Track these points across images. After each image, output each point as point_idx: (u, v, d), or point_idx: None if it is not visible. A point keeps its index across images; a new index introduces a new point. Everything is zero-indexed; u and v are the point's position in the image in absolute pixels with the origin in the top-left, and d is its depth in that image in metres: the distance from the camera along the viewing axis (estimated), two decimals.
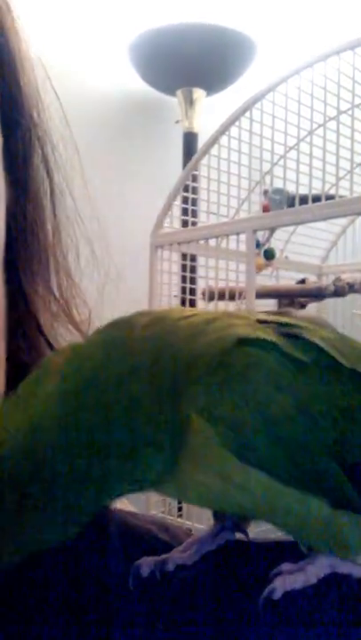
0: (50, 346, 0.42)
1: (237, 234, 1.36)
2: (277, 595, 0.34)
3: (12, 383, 0.37)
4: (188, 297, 1.52)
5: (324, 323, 0.36)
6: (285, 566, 0.35)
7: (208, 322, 0.33)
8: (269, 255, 1.47)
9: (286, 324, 0.33)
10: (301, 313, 0.39)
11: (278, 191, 1.32)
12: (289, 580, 0.34)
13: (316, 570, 0.35)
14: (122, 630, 0.36)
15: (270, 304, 1.65)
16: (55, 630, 0.36)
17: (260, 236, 1.43)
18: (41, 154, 0.42)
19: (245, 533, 0.40)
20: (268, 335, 0.32)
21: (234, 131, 1.38)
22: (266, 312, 0.37)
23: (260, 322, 0.33)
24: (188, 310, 0.34)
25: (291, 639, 0.34)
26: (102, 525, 0.42)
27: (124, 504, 0.51)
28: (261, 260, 1.45)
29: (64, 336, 0.44)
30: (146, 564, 0.37)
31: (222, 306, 1.43)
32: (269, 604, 0.34)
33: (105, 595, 0.38)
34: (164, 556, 0.37)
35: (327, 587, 0.35)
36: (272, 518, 0.34)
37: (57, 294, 0.43)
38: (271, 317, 0.34)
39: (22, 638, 0.36)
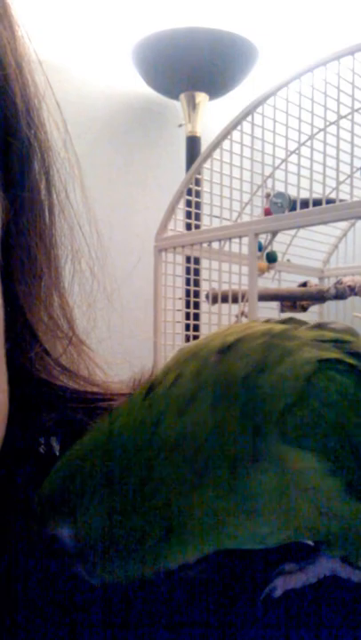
0: (50, 357, 0.42)
1: (240, 237, 1.37)
2: (278, 593, 0.35)
3: (18, 397, 0.38)
4: (192, 299, 1.53)
5: (353, 330, 0.36)
6: (287, 566, 0.36)
7: (268, 347, 0.32)
8: (271, 258, 1.49)
9: (340, 341, 0.33)
10: (339, 323, 0.38)
11: (280, 195, 1.33)
12: (289, 579, 0.35)
13: (317, 570, 0.36)
14: (122, 630, 0.36)
15: (272, 306, 1.66)
16: (49, 625, 0.37)
17: (263, 239, 1.45)
18: (41, 160, 0.41)
19: None
20: (339, 355, 0.32)
21: (236, 135, 1.39)
22: (296, 322, 0.37)
23: (317, 340, 0.33)
24: (229, 333, 0.33)
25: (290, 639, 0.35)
26: None
27: None
28: (264, 262, 1.46)
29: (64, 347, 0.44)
30: None
31: (225, 308, 1.44)
32: (269, 602, 0.35)
33: (105, 592, 0.38)
34: None
35: (327, 589, 0.36)
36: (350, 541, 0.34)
37: (56, 306, 0.43)
38: (318, 332, 0.34)
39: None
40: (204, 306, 1.54)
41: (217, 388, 0.30)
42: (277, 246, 1.57)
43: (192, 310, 1.53)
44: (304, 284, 1.60)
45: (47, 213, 0.42)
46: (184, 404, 0.30)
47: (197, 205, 1.48)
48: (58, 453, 0.42)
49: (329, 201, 1.24)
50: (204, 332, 1.52)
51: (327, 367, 0.31)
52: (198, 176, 1.45)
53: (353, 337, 0.34)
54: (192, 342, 0.34)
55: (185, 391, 0.31)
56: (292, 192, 1.32)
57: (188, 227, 1.49)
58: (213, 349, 0.32)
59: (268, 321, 0.36)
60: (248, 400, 0.30)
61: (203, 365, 0.31)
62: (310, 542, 0.38)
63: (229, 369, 0.31)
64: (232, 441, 0.30)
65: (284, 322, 0.36)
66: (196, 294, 1.54)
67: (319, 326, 0.35)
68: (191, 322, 1.53)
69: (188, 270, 1.53)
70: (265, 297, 1.52)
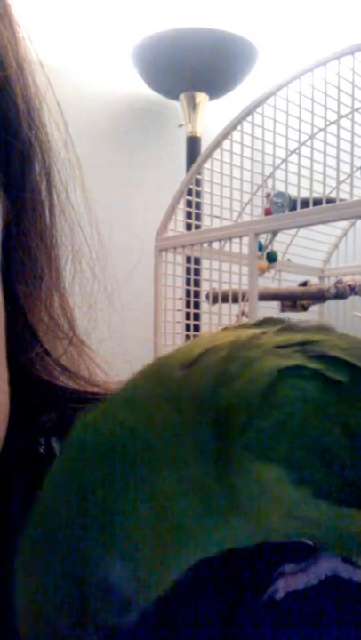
0: (50, 357, 0.42)
1: (240, 237, 1.37)
2: (280, 595, 0.35)
3: (19, 397, 0.38)
4: (192, 299, 1.53)
5: (328, 326, 0.36)
6: (288, 567, 0.36)
7: (230, 360, 0.31)
8: (272, 258, 1.49)
9: (305, 343, 0.33)
10: (312, 321, 0.37)
11: (280, 195, 1.34)
12: (291, 580, 0.35)
13: (318, 571, 0.36)
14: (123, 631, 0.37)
15: (273, 306, 1.66)
16: None
17: (263, 239, 1.45)
18: (42, 161, 0.41)
19: None
20: (301, 360, 0.31)
21: (236, 135, 1.39)
22: (263, 322, 0.36)
23: (279, 347, 0.32)
24: (191, 347, 0.33)
25: None
26: None
27: None
28: (264, 262, 1.47)
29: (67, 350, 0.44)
30: None
31: (226, 308, 1.45)
32: (271, 604, 0.35)
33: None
34: None
35: (328, 589, 0.36)
36: (335, 541, 0.34)
37: (56, 306, 0.43)
38: (284, 337, 0.33)
39: None
40: (205, 306, 1.54)
41: (181, 404, 0.30)
42: (278, 246, 1.57)
43: (192, 310, 1.53)
44: (304, 284, 1.60)
45: (48, 214, 0.42)
46: (149, 421, 0.30)
47: (198, 205, 1.48)
48: (58, 454, 0.42)
49: (329, 200, 1.24)
50: (204, 331, 1.52)
51: (288, 375, 0.30)
52: (198, 176, 1.45)
53: (323, 335, 0.34)
54: (162, 355, 0.33)
55: (150, 409, 0.30)
56: (293, 192, 1.32)
57: (189, 227, 1.49)
58: (177, 365, 0.32)
59: (242, 325, 0.36)
60: (211, 415, 0.30)
61: (167, 381, 0.31)
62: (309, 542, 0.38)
63: (192, 385, 0.31)
64: (199, 455, 0.29)
65: (257, 324, 0.36)
66: (197, 294, 1.55)
67: (289, 328, 0.34)
68: (192, 322, 1.54)
69: (188, 270, 1.53)
70: (265, 297, 1.52)
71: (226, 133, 1.39)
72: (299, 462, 0.30)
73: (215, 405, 0.30)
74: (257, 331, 0.34)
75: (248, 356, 0.31)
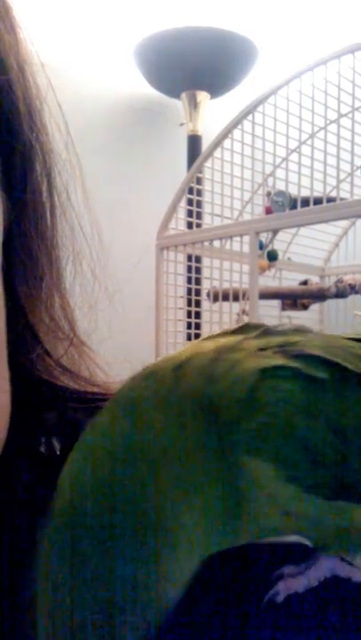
0: (51, 358, 0.42)
1: (241, 235, 1.37)
2: (280, 598, 0.35)
3: (20, 398, 0.38)
4: (193, 298, 1.54)
5: (305, 328, 0.36)
6: (287, 569, 0.36)
7: (216, 361, 0.32)
8: (272, 257, 1.49)
9: (284, 344, 0.33)
10: (287, 324, 0.37)
11: (280, 193, 1.34)
12: (291, 583, 0.35)
13: (317, 573, 0.36)
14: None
15: (273, 305, 1.66)
16: None
17: (264, 237, 1.45)
18: (43, 162, 0.41)
19: None
20: (282, 360, 0.32)
21: (237, 133, 1.39)
22: (243, 328, 0.37)
23: (261, 349, 0.33)
24: (181, 352, 0.34)
25: None
26: None
27: None
28: (265, 261, 1.47)
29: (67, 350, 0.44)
30: None
31: (226, 306, 1.45)
32: (272, 607, 0.35)
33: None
34: None
35: (328, 590, 0.36)
36: (324, 535, 0.34)
37: (57, 307, 0.43)
38: (264, 340, 0.34)
39: None
40: (206, 304, 1.54)
41: (173, 403, 0.31)
42: (278, 245, 1.58)
43: (193, 308, 1.54)
44: (305, 283, 1.61)
45: (48, 215, 0.42)
46: (147, 423, 0.31)
47: (199, 204, 1.49)
48: (58, 453, 0.42)
49: (330, 199, 1.25)
50: (206, 330, 1.53)
51: (270, 375, 0.31)
52: (199, 175, 1.45)
53: (301, 336, 0.34)
54: (151, 363, 0.34)
55: (147, 412, 0.31)
56: (293, 190, 1.33)
57: (190, 225, 1.49)
58: (169, 367, 0.33)
59: (225, 332, 0.36)
60: (202, 413, 0.30)
61: (161, 383, 0.32)
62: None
63: (183, 385, 0.31)
64: (195, 453, 0.30)
65: (237, 330, 0.36)
66: (198, 292, 1.55)
67: (266, 332, 0.35)
68: (193, 320, 1.54)
69: (189, 269, 1.54)
70: (266, 295, 1.52)
71: (227, 132, 1.40)
72: (288, 460, 0.30)
73: (205, 404, 0.30)
74: (240, 336, 0.35)
75: (233, 357, 0.32)
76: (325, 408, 0.31)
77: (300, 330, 0.35)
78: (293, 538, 0.37)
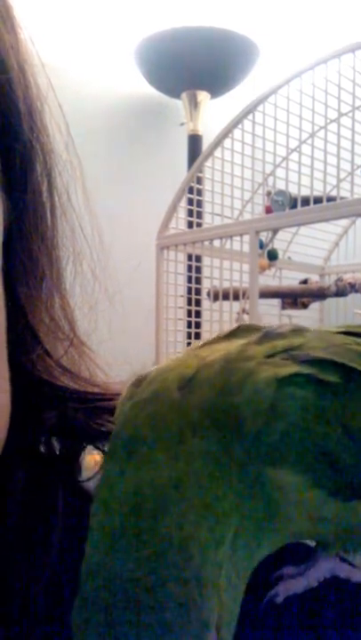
0: (51, 358, 0.42)
1: (241, 235, 1.37)
2: (280, 599, 0.35)
3: (20, 398, 0.38)
4: (193, 297, 1.54)
5: (301, 327, 0.36)
6: (287, 570, 0.36)
7: (228, 372, 0.31)
8: (272, 256, 1.49)
9: (289, 349, 0.33)
10: (284, 325, 0.37)
11: (281, 193, 1.34)
12: (291, 584, 0.36)
13: (317, 574, 0.36)
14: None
15: (273, 304, 1.66)
16: (55, 627, 0.36)
17: (264, 237, 1.45)
18: (43, 163, 0.41)
19: None
20: (295, 367, 0.32)
21: (237, 133, 1.39)
22: (236, 332, 0.36)
23: (269, 356, 0.33)
24: (182, 368, 0.33)
25: None
26: None
27: None
28: (265, 260, 1.47)
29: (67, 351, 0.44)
30: None
31: (227, 306, 1.45)
32: (272, 607, 0.35)
33: None
34: None
35: (327, 591, 0.36)
36: (341, 537, 0.35)
37: (57, 307, 0.43)
38: (268, 345, 0.34)
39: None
40: (206, 303, 1.54)
41: (187, 423, 0.30)
42: (278, 244, 1.58)
43: (194, 308, 1.54)
44: (305, 282, 1.61)
45: (49, 215, 0.42)
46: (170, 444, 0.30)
47: (199, 203, 1.49)
48: (58, 453, 0.42)
49: (330, 198, 1.25)
50: (206, 329, 1.53)
51: (286, 384, 0.31)
52: (200, 174, 1.46)
53: (302, 337, 0.34)
54: (154, 378, 0.33)
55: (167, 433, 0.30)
56: (293, 190, 1.33)
57: (190, 225, 1.49)
58: (173, 387, 0.32)
59: (218, 338, 0.36)
60: (219, 426, 0.30)
61: (168, 406, 0.31)
62: (308, 543, 0.38)
63: (194, 401, 0.31)
64: (220, 468, 0.30)
65: (231, 334, 0.36)
66: (198, 292, 1.55)
67: (267, 336, 0.34)
68: (193, 319, 1.54)
69: (189, 268, 1.54)
70: (266, 294, 1.52)
71: (227, 132, 1.40)
72: (310, 467, 0.31)
73: (221, 420, 0.30)
74: (239, 341, 0.34)
75: (244, 367, 0.32)
76: (339, 412, 0.32)
77: (297, 330, 0.35)
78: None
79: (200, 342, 0.36)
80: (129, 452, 0.30)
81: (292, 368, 0.32)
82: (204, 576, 0.27)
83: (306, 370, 0.32)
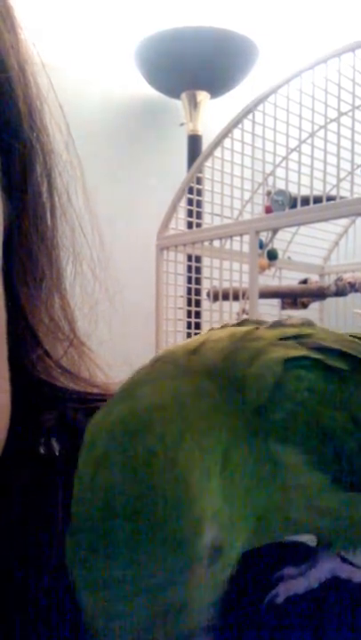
0: (51, 358, 0.42)
1: (241, 235, 1.37)
2: (280, 600, 0.35)
3: (20, 398, 0.38)
4: (193, 297, 1.54)
5: (311, 321, 0.36)
6: (287, 570, 0.36)
7: (236, 350, 0.32)
8: (272, 256, 1.49)
9: (301, 335, 0.33)
10: (295, 318, 0.37)
11: (280, 193, 1.34)
12: (291, 585, 0.35)
13: (317, 574, 0.36)
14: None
15: (273, 304, 1.66)
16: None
17: (263, 237, 1.45)
18: (43, 163, 0.41)
19: None
20: (305, 351, 0.32)
21: (237, 133, 1.39)
22: (251, 322, 0.37)
23: (282, 339, 0.33)
24: (191, 341, 0.33)
25: None
26: None
27: None
28: (265, 260, 1.47)
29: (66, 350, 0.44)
30: None
31: (226, 306, 1.45)
32: (272, 608, 0.35)
33: None
34: None
35: (328, 591, 0.36)
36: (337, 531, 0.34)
37: (57, 307, 0.43)
38: (279, 330, 0.34)
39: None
40: (206, 303, 1.54)
41: (197, 378, 0.30)
42: (278, 244, 1.58)
43: (193, 308, 1.54)
44: (305, 282, 1.61)
45: (49, 215, 0.42)
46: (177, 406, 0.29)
47: (199, 204, 1.49)
48: (57, 454, 0.42)
49: (329, 198, 1.25)
50: (206, 329, 1.53)
51: (294, 366, 0.31)
52: (200, 174, 1.46)
53: (312, 329, 0.35)
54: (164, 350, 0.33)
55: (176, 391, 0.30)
56: (293, 189, 1.33)
57: (190, 225, 1.49)
58: (180, 352, 0.32)
59: (225, 325, 0.36)
60: (228, 390, 0.30)
61: (172, 365, 0.31)
62: (309, 543, 0.38)
63: (200, 363, 0.31)
64: (226, 433, 0.29)
65: (239, 324, 0.36)
66: (198, 292, 1.55)
67: (279, 324, 0.35)
68: (193, 320, 1.54)
69: (189, 268, 1.54)
70: (266, 294, 1.52)
71: (227, 132, 1.40)
72: (314, 450, 0.31)
73: (229, 382, 0.30)
74: (249, 327, 0.35)
75: (254, 345, 0.32)
76: (346, 398, 0.32)
77: (307, 324, 0.35)
78: (297, 538, 0.37)
79: (210, 328, 0.36)
80: (127, 392, 0.30)
81: (301, 351, 0.32)
82: (190, 479, 0.27)
83: (315, 355, 0.32)
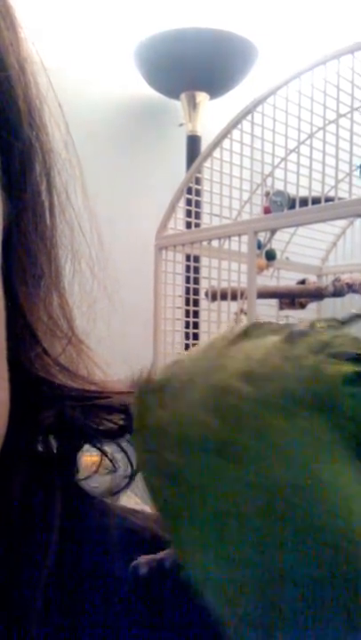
0: (49, 356, 0.42)
1: (239, 235, 1.38)
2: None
3: (18, 396, 0.38)
4: (191, 297, 1.54)
5: (335, 322, 0.35)
6: None
7: (290, 365, 0.30)
8: (270, 256, 1.49)
9: (327, 345, 0.32)
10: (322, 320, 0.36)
11: (279, 193, 1.34)
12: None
13: None
14: (122, 631, 0.36)
15: (271, 304, 1.67)
16: (51, 629, 0.36)
17: (262, 237, 1.45)
18: (42, 162, 0.41)
19: None
20: (352, 367, 0.31)
21: (236, 134, 1.40)
22: (259, 326, 0.35)
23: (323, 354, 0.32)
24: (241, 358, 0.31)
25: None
26: (103, 525, 0.42)
27: (130, 498, 0.51)
28: (263, 260, 1.47)
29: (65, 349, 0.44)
30: (144, 563, 0.36)
31: (225, 306, 1.45)
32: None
33: (105, 595, 0.38)
34: (161, 555, 0.37)
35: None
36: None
37: (55, 306, 0.43)
38: (305, 344, 0.32)
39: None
40: (204, 303, 1.55)
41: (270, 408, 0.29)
42: (276, 244, 1.58)
43: (192, 308, 1.54)
44: (303, 282, 1.61)
45: (48, 214, 0.42)
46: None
47: (197, 204, 1.49)
48: (56, 452, 0.43)
49: (328, 199, 1.25)
50: (204, 329, 1.53)
51: (343, 381, 0.30)
52: (198, 175, 1.46)
53: (338, 331, 0.33)
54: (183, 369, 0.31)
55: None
56: (292, 190, 1.33)
57: (188, 225, 1.50)
58: (234, 377, 0.30)
59: (234, 336, 0.34)
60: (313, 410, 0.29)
61: (233, 398, 0.29)
62: None
63: (269, 391, 0.29)
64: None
65: (246, 333, 0.34)
66: (196, 292, 1.55)
67: (297, 334, 0.33)
68: (191, 319, 1.54)
69: (187, 268, 1.54)
70: (264, 294, 1.53)
71: (226, 132, 1.40)
72: None
73: (315, 402, 0.29)
74: (283, 337, 0.33)
75: (306, 363, 0.30)
76: None
77: (337, 326, 0.34)
78: None
79: (211, 341, 0.34)
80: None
81: (349, 368, 0.31)
82: None
83: (358, 368, 0.31)
